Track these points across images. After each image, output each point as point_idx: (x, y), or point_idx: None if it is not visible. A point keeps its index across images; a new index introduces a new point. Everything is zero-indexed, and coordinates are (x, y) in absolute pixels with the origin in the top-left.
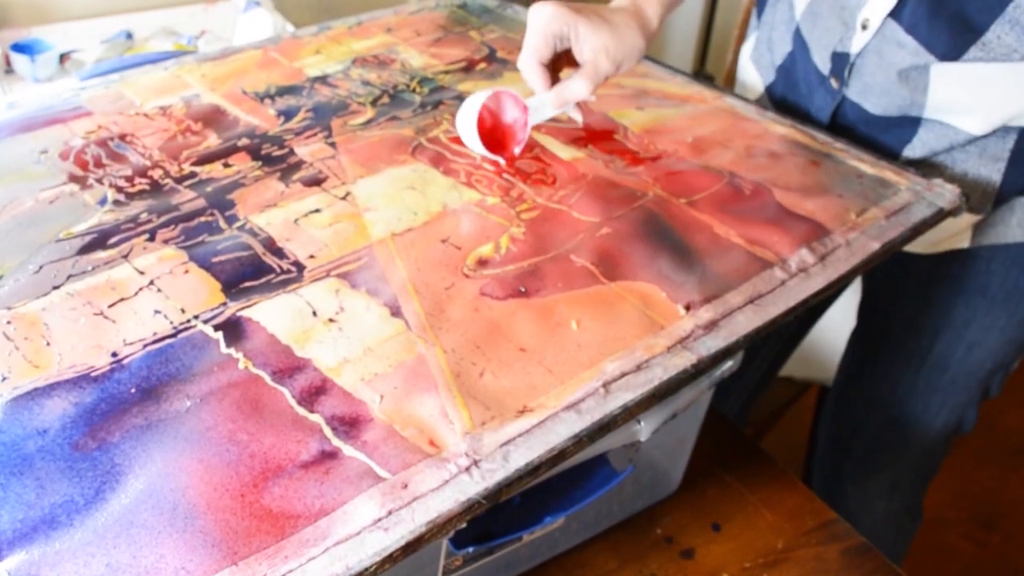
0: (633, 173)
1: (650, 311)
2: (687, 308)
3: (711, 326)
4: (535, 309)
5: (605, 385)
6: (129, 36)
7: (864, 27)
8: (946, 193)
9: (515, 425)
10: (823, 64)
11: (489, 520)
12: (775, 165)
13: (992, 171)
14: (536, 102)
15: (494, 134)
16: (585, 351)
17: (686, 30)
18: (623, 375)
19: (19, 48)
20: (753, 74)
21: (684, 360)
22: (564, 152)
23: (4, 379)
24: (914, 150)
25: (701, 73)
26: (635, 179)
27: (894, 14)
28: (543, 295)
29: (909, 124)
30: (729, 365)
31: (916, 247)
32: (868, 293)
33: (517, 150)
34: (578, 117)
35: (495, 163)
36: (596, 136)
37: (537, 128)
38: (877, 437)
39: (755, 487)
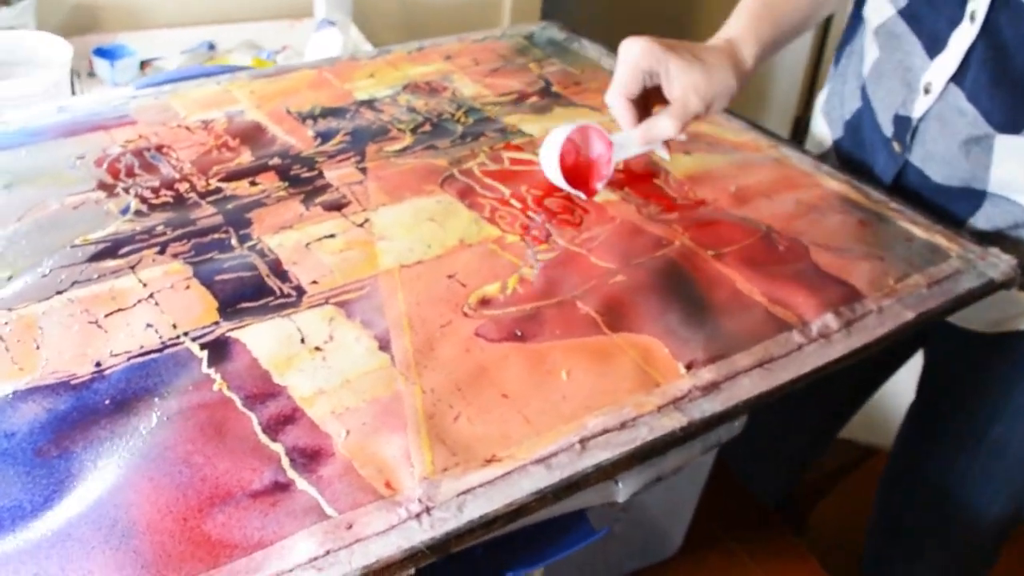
0: (665, 220)
1: (649, 367)
2: (688, 367)
3: (711, 388)
4: (528, 355)
5: (583, 441)
6: (212, 47)
7: (927, 91)
8: (1000, 264)
9: (478, 474)
10: (886, 126)
11: (447, 571)
12: (819, 222)
13: None
14: (621, 138)
15: (577, 169)
16: (570, 403)
17: (792, 71)
18: (604, 432)
19: (102, 53)
20: (823, 127)
21: (673, 422)
22: (598, 194)
23: None
24: (977, 222)
25: (804, 118)
26: (665, 227)
27: (956, 79)
28: (539, 341)
29: (973, 197)
30: (729, 430)
31: (976, 325)
32: (928, 367)
33: (599, 186)
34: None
35: (523, 200)
36: (635, 179)
37: None
38: (926, 519)
39: (761, 558)
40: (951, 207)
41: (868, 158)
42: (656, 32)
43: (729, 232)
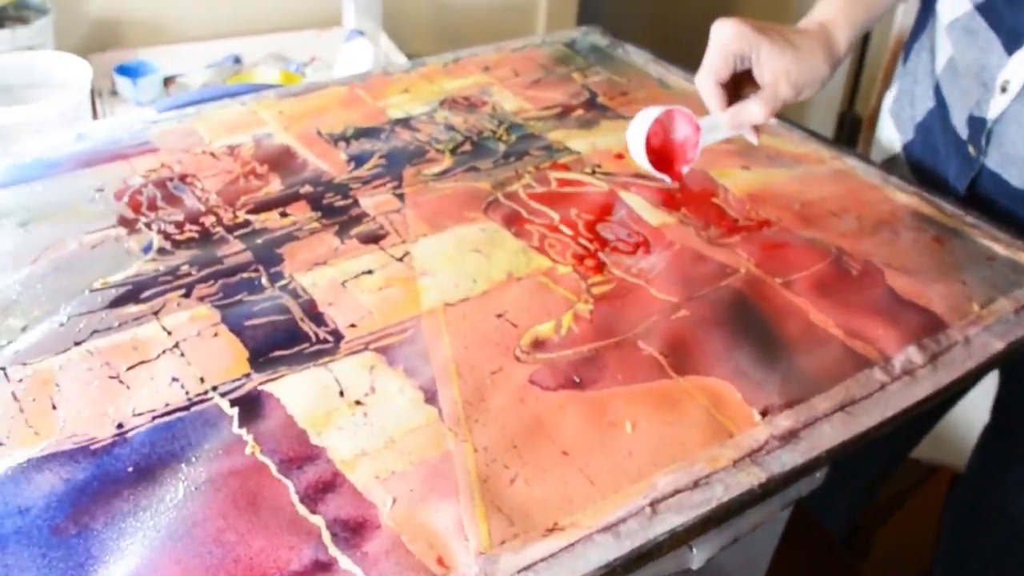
0: (727, 244)
1: (720, 414)
2: (763, 413)
3: (789, 437)
4: (588, 404)
5: (653, 504)
6: (238, 61)
7: (1004, 90)
8: None
9: (539, 547)
10: (961, 128)
11: None
12: (892, 241)
13: None
14: (709, 122)
15: (663, 152)
16: (636, 459)
17: None
18: (676, 492)
19: (124, 70)
20: (891, 130)
21: (751, 478)
22: (653, 216)
23: (1, 445)
24: None
25: (849, 113)
26: (727, 252)
27: None
28: (599, 387)
29: None
30: (810, 482)
31: None
32: (1004, 388)
33: (685, 169)
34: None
35: (573, 225)
36: (692, 198)
37: (626, 187)
38: (999, 552)
39: None
40: None
41: (941, 163)
42: (696, 31)
43: (797, 256)
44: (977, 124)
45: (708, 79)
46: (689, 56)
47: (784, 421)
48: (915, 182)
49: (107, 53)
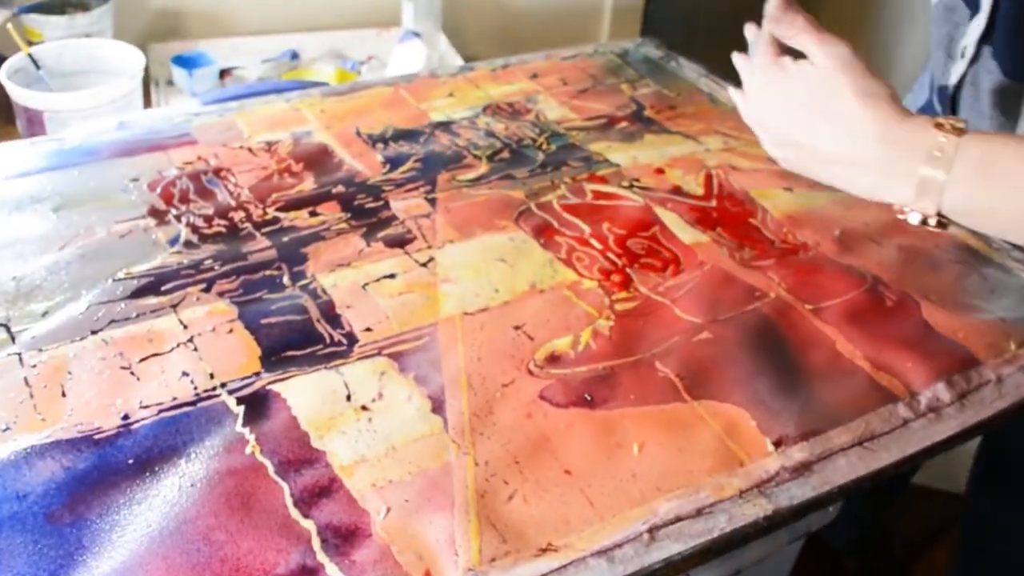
0: (759, 267)
1: (732, 442)
2: (777, 444)
3: (801, 469)
4: (596, 423)
5: (652, 530)
6: (295, 56)
7: (962, 55)
8: None
9: (529, 567)
10: (936, 104)
11: None
12: (933, 272)
13: None
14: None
15: None
16: (640, 483)
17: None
18: (677, 519)
19: (181, 61)
20: None
21: (757, 509)
22: (687, 234)
23: (7, 429)
24: None
25: None
26: (759, 275)
27: (986, 39)
28: (610, 407)
29: None
30: (822, 516)
31: None
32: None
33: None
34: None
35: (603, 239)
36: (728, 217)
37: (662, 203)
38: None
39: None
40: None
41: None
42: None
43: (831, 282)
44: (942, 93)
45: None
46: None
47: (798, 453)
48: None
49: (168, 43)
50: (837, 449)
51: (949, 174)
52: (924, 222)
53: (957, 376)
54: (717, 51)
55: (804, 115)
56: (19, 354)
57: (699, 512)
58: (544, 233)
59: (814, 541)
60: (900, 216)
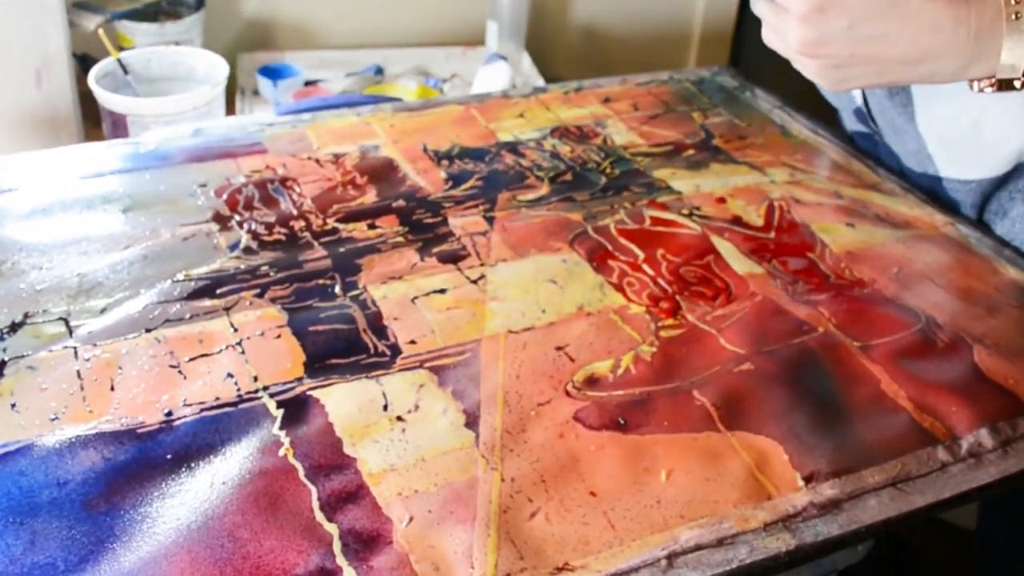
0: (812, 301)
1: (762, 474)
2: (808, 479)
3: (830, 506)
4: (627, 448)
5: (671, 556)
6: (380, 71)
7: None
8: None
9: None
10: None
11: None
12: (990, 317)
13: None
14: None
15: None
16: (664, 509)
17: None
18: (697, 548)
19: (266, 72)
20: None
21: (780, 543)
22: (741, 264)
23: (55, 419)
24: None
25: None
26: (810, 309)
27: None
28: (643, 432)
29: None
30: (850, 555)
31: None
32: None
33: None
34: None
35: (656, 266)
36: (785, 250)
37: (720, 232)
38: None
39: None
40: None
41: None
42: None
43: (882, 321)
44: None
45: None
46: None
47: (828, 490)
48: None
49: (256, 54)
50: (869, 488)
51: None
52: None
53: (1003, 423)
54: (802, 84)
55: (873, 26)
56: (75, 348)
57: (720, 542)
58: (598, 256)
59: None
60: (983, 90)
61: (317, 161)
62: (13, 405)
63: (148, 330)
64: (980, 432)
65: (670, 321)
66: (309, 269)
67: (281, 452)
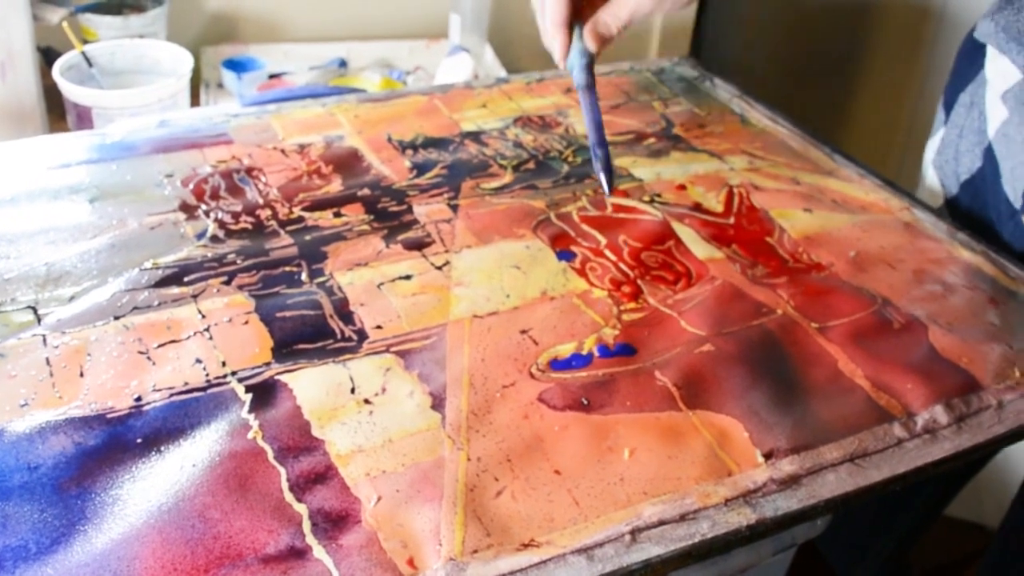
0: (770, 284)
1: (723, 452)
2: (768, 456)
3: (789, 482)
4: (591, 427)
5: (634, 532)
6: (343, 64)
7: None
8: None
9: (510, 560)
10: (1014, 196)
11: None
12: (944, 298)
13: None
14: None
15: None
16: (627, 486)
17: None
18: (660, 523)
19: (231, 64)
20: (934, 180)
21: (741, 518)
22: (701, 249)
23: (24, 405)
24: None
25: None
26: (768, 292)
27: None
28: (606, 412)
29: None
30: (809, 528)
31: None
32: None
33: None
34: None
35: (618, 251)
36: (745, 235)
37: (680, 218)
38: None
39: None
40: None
41: (991, 223)
42: (820, 80)
43: (839, 303)
44: None
45: (561, 27)
46: (811, 95)
47: (787, 466)
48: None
49: (220, 47)
50: (827, 464)
51: None
52: None
53: (957, 400)
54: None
55: None
56: (43, 335)
57: (683, 517)
58: (560, 242)
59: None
60: None
61: (283, 151)
62: None
63: (116, 317)
64: (935, 409)
65: (632, 305)
66: (276, 257)
67: (250, 435)
